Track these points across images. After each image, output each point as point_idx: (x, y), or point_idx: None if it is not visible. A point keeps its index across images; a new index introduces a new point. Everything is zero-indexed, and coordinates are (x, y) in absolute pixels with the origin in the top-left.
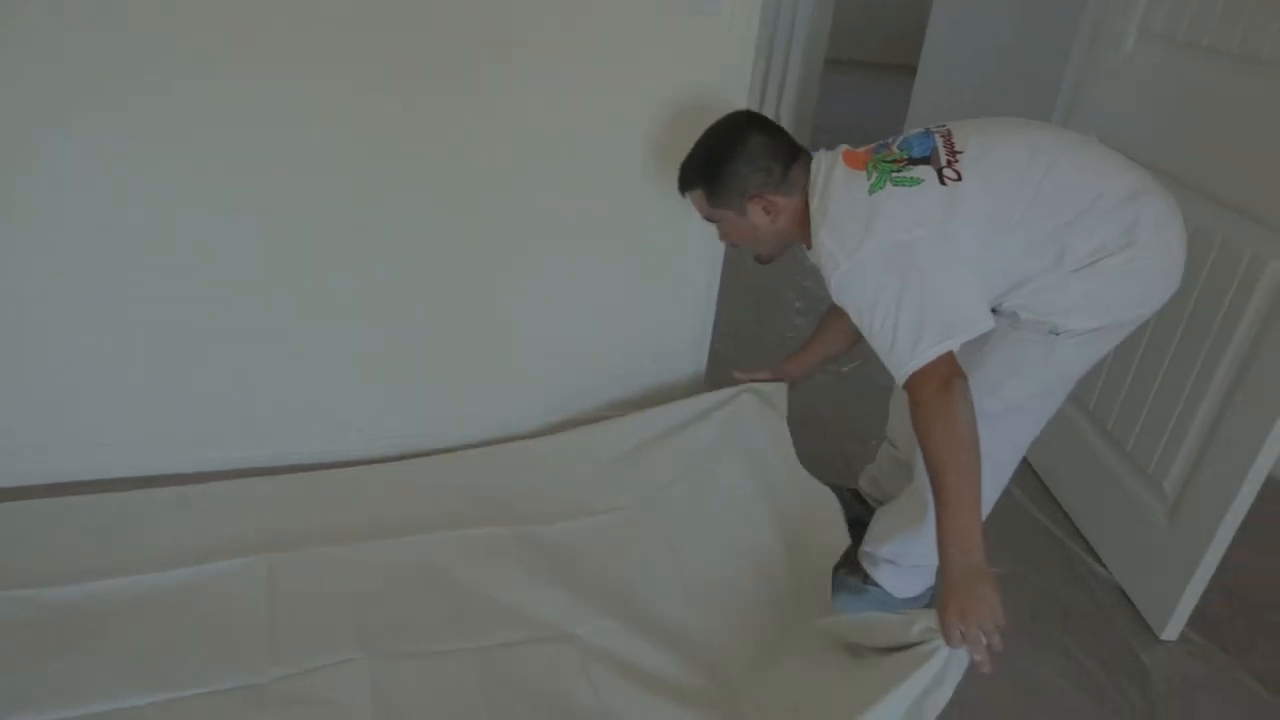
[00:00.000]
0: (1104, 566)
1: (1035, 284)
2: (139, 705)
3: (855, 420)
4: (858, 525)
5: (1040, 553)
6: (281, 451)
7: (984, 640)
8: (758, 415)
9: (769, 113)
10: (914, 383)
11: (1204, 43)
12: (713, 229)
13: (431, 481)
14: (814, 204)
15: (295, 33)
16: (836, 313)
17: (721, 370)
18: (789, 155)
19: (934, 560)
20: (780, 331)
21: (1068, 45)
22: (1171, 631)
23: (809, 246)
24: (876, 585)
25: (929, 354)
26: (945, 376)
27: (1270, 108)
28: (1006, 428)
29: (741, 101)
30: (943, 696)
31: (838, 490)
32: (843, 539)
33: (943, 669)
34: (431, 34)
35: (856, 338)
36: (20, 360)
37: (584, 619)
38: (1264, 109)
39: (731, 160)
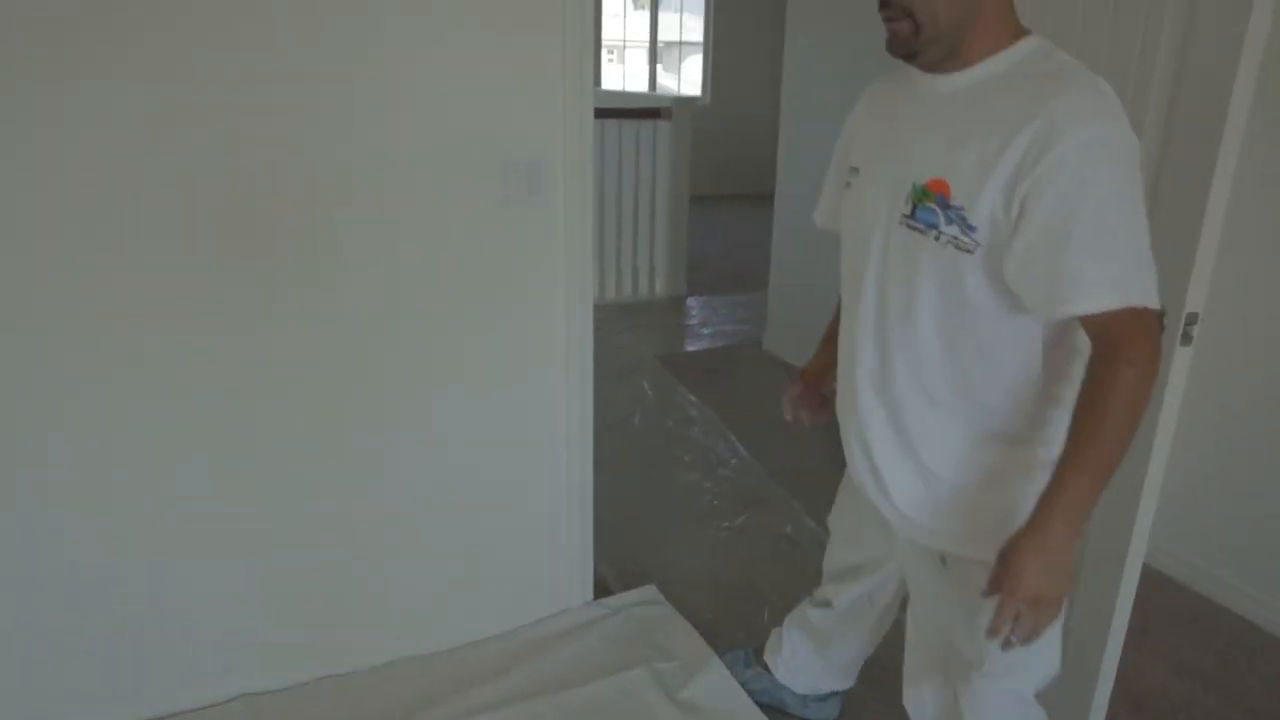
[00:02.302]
0: None
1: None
2: None
3: (750, 577)
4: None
5: None
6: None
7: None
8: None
9: (642, 253)
10: (1131, 329)
11: None
12: None
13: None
14: (1039, 37)
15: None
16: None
17: (616, 546)
18: None
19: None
20: (668, 485)
21: None
22: None
23: (957, 62)
24: (769, 673)
25: (1155, 296)
26: (1157, 337)
27: None
28: None
29: (590, 276)
30: None
31: (731, 651)
32: None
33: None
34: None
35: None
36: None
37: None
38: None
39: None
